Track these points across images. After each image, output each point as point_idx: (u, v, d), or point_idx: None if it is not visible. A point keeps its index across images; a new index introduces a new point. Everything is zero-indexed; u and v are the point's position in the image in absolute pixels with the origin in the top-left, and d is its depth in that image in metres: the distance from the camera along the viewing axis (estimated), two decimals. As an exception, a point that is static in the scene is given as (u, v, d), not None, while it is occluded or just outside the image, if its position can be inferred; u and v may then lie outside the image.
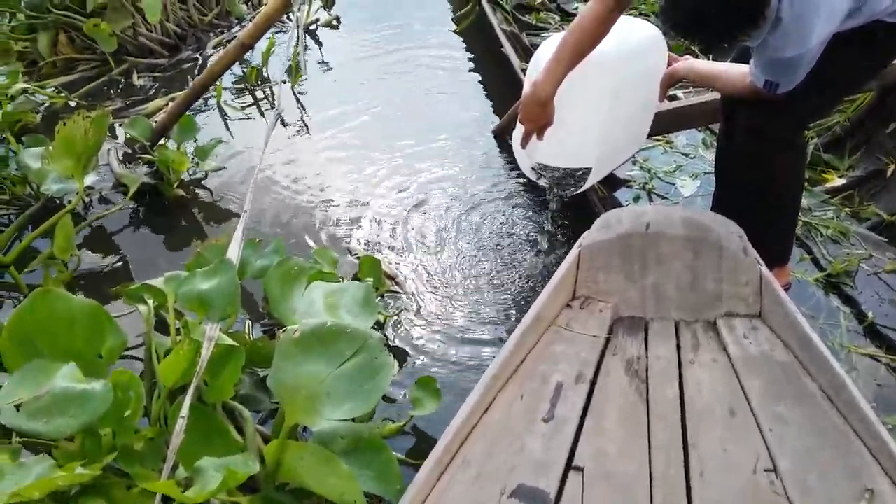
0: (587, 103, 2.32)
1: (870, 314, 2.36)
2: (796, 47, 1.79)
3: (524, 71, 2.64)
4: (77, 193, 2.67)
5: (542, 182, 2.63)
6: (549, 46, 2.39)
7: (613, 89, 2.34)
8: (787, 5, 1.71)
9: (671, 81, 2.58)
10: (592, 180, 2.57)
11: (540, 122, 2.22)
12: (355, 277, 2.56)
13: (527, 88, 2.24)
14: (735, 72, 2.13)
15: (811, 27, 1.75)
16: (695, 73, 2.40)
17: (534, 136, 2.26)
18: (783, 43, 1.79)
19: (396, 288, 2.62)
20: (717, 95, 2.58)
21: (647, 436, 1.48)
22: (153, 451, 1.67)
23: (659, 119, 2.88)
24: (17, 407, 1.49)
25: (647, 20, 3.00)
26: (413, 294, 2.60)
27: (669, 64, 2.56)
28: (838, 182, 2.99)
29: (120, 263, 2.82)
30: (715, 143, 2.76)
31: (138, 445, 1.65)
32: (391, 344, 2.41)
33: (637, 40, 2.46)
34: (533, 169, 2.60)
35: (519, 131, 2.35)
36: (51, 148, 2.61)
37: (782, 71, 1.88)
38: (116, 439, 1.62)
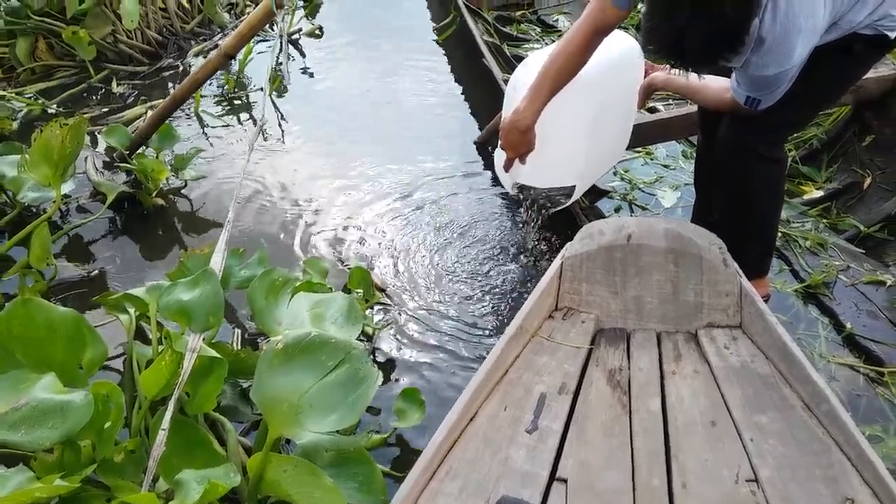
0: (569, 122, 2.32)
1: (848, 325, 2.38)
2: (779, 65, 1.81)
3: (505, 81, 2.65)
4: (54, 202, 2.64)
5: (525, 200, 2.62)
6: (528, 68, 2.41)
7: (594, 106, 2.36)
8: (769, 25, 1.73)
9: (649, 91, 2.60)
10: (576, 196, 2.59)
11: (522, 148, 2.24)
12: (345, 288, 2.55)
13: (507, 114, 2.24)
14: (714, 86, 2.15)
15: (793, 45, 1.77)
16: (673, 85, 2.42)
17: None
18: (766, 61, 1.80)
19: (386, 299, 2.62)
20: (696, 108, 2.60)
21: (629, 447, 1.49)
22: (133, 464, 1.65)
23: (640, 131, 2.91)
24: (-4, 419, 1.47)
25: (625, 31, 3.03)
26: (401, 305, 2.60)
27: (647, 72, 2.59)
28: (816, 194, 3.03)
29: (97, 273, 2.79)
30: (694, 155, 2.79)
31: (118, 457, 1.63)
32: (378, 355, 2.40)
33: (615, 54, 2.48)
34: (515, 185, 2.60)
35: (501, 155, 2.36)
36: (27, 156, 2.58)
37: (764, 88, 1.90)
38: (96, 451, 1.60)
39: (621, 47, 2.52)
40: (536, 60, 2.43)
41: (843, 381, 2.24)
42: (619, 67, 2.47)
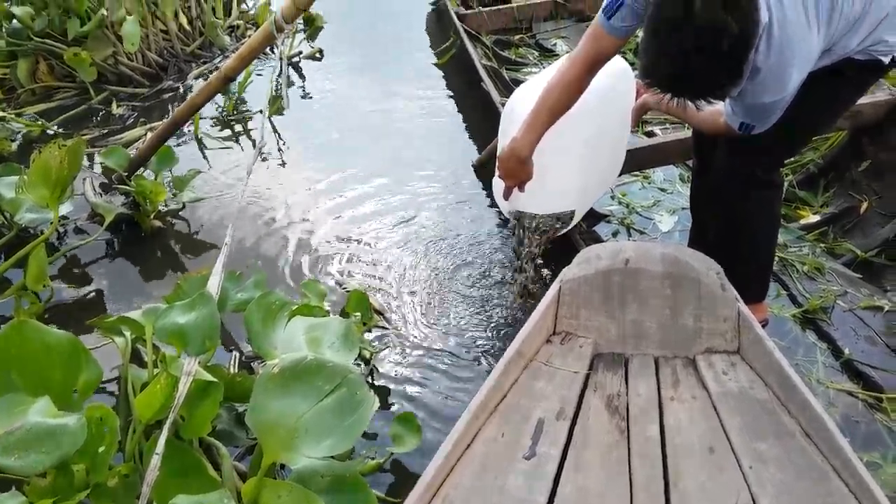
0: (566, 148, 2.33)
1: (846, 350, 2.38)
2: (775, 94, 1.82)
3: (503, 105, 2.66)
4: (51, 223, 2.64)
5: (522, 228, 2.61)
6: (522, 96, 2.43)
7: (590, 131, 2.37)
8: (763, 55, 1.74)
9: (642, 112, 2.62)
10: (575, 220, 2.60)
11: (520, 178, 2.25)
12: (343, 311, 2.55)
13: (503, 143, 2.25)
14: (708, 109, 2.16)
15: (789, 73, 1.78)
16: (665, 106, 2.43)
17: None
18: (762, 90, 1.82)
19: (384, 323, 2.61)
20: (692, 132, 2.62)
21: (628, 473, 1.48)
22: (127, 488, 1.64)
23: (637, 155, 2.92)
24: (-11, 442, 1.46)
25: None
26: (400, 329, 2.59)
27: (638, 93, 2.60)
28: (813, 219, 3.03)
29: (94, 295, 2.79)
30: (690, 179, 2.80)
31: (112, 482, 1.62)
32: (375, 378, 2.39)
33: (608, 77, 2.49)
34: (513, 212, 2.60)
35: (499, 183, 2.37)
36: (25, 177, 2.58)
37: (759, 115, 1.91)
38: (90, 476, 1.59)
39: (614, 69, 2.53)
40: (531, 88, 2.45)
41: (841, 406, 2.23)
42: (613, 91, 2.49)
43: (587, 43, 2.04)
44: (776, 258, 2.59)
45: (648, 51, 1.68)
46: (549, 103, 2.12)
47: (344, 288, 2.76)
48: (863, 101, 2.83)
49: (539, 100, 2.14)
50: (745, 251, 2.28)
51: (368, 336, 2.52)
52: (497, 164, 2.29)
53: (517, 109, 2.43)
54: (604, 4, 1.96)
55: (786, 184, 3.15)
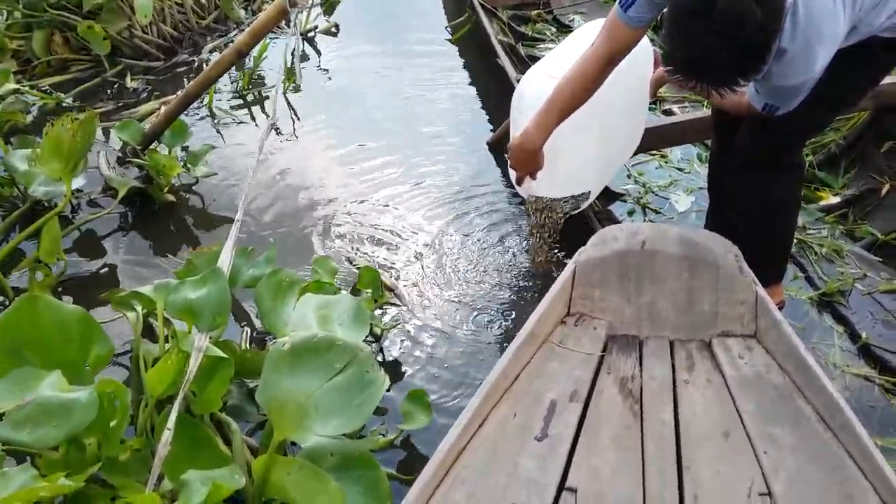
0: (579, 131, 2.30)
1: (864, 334, 2.35)
2: (802, 75, 1.78)
3: (519, 81, 2.63)
4: (65, 196, 2.64)
5: (539, 210, 2.61)
6: (533, 81, 2.40)
7: (604, 111, 2.33)
8: (789, 36, 1.70)
9: (660, 83, 2.58)
10: (591, 199, 2.57)
11: (531, 168, 2.24)
12: (354, 287, 2.54)
13: (514, 132, 2.22)
14: None
15: (815, 54, 1.74)
16: None
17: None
18: (788, 72, 1.77)
19: (395, 300, 2.60)
20: (711, 111, 2.57)
21: (640, 457, 1.47)
22: (138, 463, 1.65)
23: (654, 134, 2.88)
24: (1, 415, 1.47)
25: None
26: (411, 306, 2.58)
27: (657, 63, 2.56)
28: (833, 200, 2.98)
29: (106, 268, 2.79)
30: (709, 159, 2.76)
31: (123, 456, 1.63)
32: (385, 355, 2.39)
33: None
34: (526, 195, 2.58)
35: (512, 172, 2.35)
36: (38, 150, 2.58)
37: (785, 96, 1.87)
38: (101, 450, 1.59)
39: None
40: (541, 73, 2.41)
41: (857, 391, 2.21)
42: (630, 63, 2.45)
43: (605, 36, 2.01)
44: (794, 240, 2.56)
45: (670, 37, 1.65)
46: (565, 98, 2.09)
47: (355, 265, 2.75)
48: (886, 80, 2.76)
49: (554, 92, 2.10)
50: (764, 232, 2.25)
51: (379, 313, 2.51)
52: (508, 153, 2.27)
53: (527, 96, 2.40)
54: None
55: (806, 164, 3.10)
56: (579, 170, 2.46)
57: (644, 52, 2.54)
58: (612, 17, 1.98)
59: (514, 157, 2.23)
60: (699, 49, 1.58)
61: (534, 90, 2.36)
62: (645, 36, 2.52)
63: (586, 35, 2.69)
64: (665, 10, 1.73)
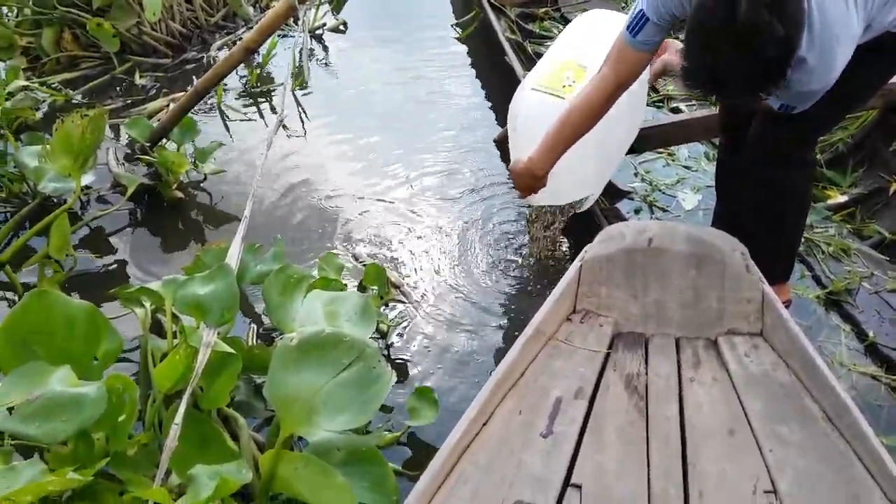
0: (578, 145, 2.31)
1: (871, 333, 2.34)
2: (822, 81, 1.78)
3: (518, 89, 2.64)
4: (74, 193, 2.65)
5: (539, 210, 2.64)
6: (525, 101, 2.43)
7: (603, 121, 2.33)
8: (807, 44, 1.68)
9: (662, 73, 2.57)
10: (593, 199, 2.58)
11: (535, 189, 2.26)
12: (361, 284, 2.54)
13: (514, 151, 2.23)
14: None
15: (834, 58, 1.74)
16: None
17: None
18: (809, 79, 1.77)
19: (401, 297, 2.61)
20: (719, 109, 2.57)
21: (646, 454, 1.47)
22: (146, 457, 1.66)
23: (661, 132, 2.87)
24: (10, 410, 1.48)
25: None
26: (417, 303, 2.59)
27: (661, 50, 2.55)
28: (840, 199, 2.97)
29: (115, 264, 2.80)
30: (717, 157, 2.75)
31: (131, 451, 1.64)
32: (392, 351, 2.40)
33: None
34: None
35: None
36: (48, 146, 2.60)
37: (803, 99, 1.87)
38: (109, 444, 1.60)
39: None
40: (533, 89, 2.41)
41: (864, 390, 2.20)
42: None
43: (613, 63, 2.01)
44: (802, 238, 2.55)
45: (690, 53, 1.64)
46: (573, 126, 2.10)
47: (361, 261, 2.76)
48: (894, 79, 2.76)
49: (562, 122, 2.10)
50: (773, 230, 2.25)
51: (385, 310, 2.52)
52: (510, 175, 2.28)
53: (521, 115, 2.44)
54: (627, 21, 1.94)
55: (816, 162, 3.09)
56: (581, 177, 2.47)
57: None
58: (619, 44, 1.99)
59: (517, 182, 2.26)
60: (720, 65, 1.58)
61: (528, 109, 2.41)
62: None
63: (576, 33, 2.68)
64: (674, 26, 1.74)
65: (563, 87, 2.39)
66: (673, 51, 2.66)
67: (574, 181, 2.39)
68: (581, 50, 2.54)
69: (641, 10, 1.89)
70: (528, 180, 2.21)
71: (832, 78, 1.78)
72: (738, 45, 1.53)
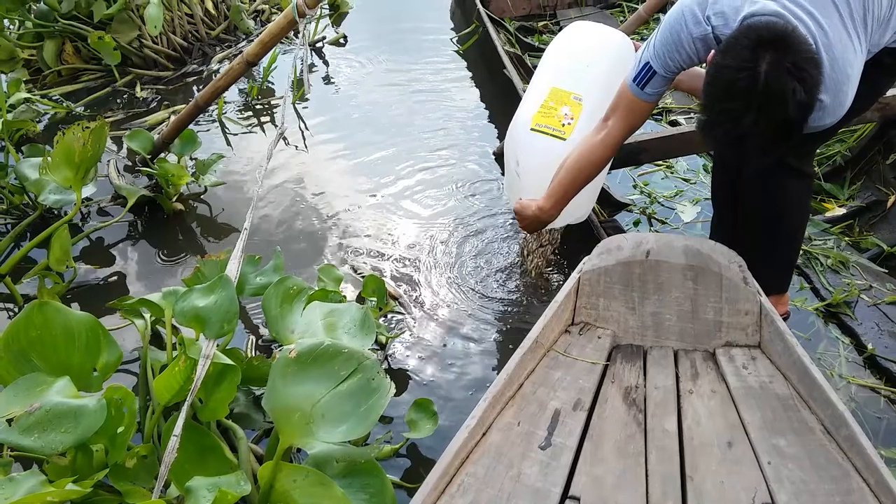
0: None
1: (869, 345, 2.34)
2: (834, 115, 1.81)
3: (525, 91, 2.65)
4: (75, 204, 2.66)
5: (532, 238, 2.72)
6: (517, 139, 2.47)
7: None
8: (822, 88, 1.70)
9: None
10: (585, 214, 2.61)
11: (540, 230, 2.38)
12: (359, 296, 2.55)
13: (523, 201, 2.31)
14: None
15: (846, 95, 1.77)
16: (685, 84, 2.42)
17: None
18: (822, 116, 1.79)
19: (400, 308, 2.61)
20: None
21: (644, 466, 1.47)
22: (145, 469, 1.66)
23: (661, 145, 2.88)
24: (10, 421, 1.48)
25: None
26: (415, 315, 2.59)
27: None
28: (838, 212, 2.98)
29: (115, 276, 2.81)
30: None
31: (130, 463, 1.64)
32: (391, 363, 2.40)
33: (607, 61, 2.50)
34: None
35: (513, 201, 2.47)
36: (49, 158, 2.61)
37: (812, 129, 1.89)
38: (108, 456, 1.60)
39: (618, 48, 2.54)
40: (532, 125, 2.44)
41: (863, 402, 2.20)
42: (617, 75, 2.47)
43: (624, 115, 2.05)
44: (800, 251, 2.55)
45: (709, 111, 1.67)
46: (585, 179, 2.18)
47: (359, 273, 2.77)
48: (892, 92, 2.78)
49: (573, 173, 2.16)
50: (771, 242, 2.25)
51: (384, 321, 2.52)
52: (516, 216, 2.36)
53: (519, 154, 2.48)
54: (633, 74, 1.97)
55: (815, 174, 3.10)
56: (580, 201, 2.48)
57: (628, 53, 2.55)
58: (626, 97, 2.02)
59: (526, 227, 2.35)
60: (740, 125, 1.60)
61: (530, 152, 2.45)
62: (627, 40, 2.56)
63: (564, 54, 2.66)
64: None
65: (563, 125, 2.41)
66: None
67: (569, 210, 2.41)
68: (573, 76, 2.53)
69: (648, 63, 1.93)
70: (537, 225, 2.31)
71: (843, 112, 1.81)
72: (760, 108, 1.56)
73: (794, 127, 1.62)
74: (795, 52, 1.56)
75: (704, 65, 1.99)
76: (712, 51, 1.80)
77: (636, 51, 2.57)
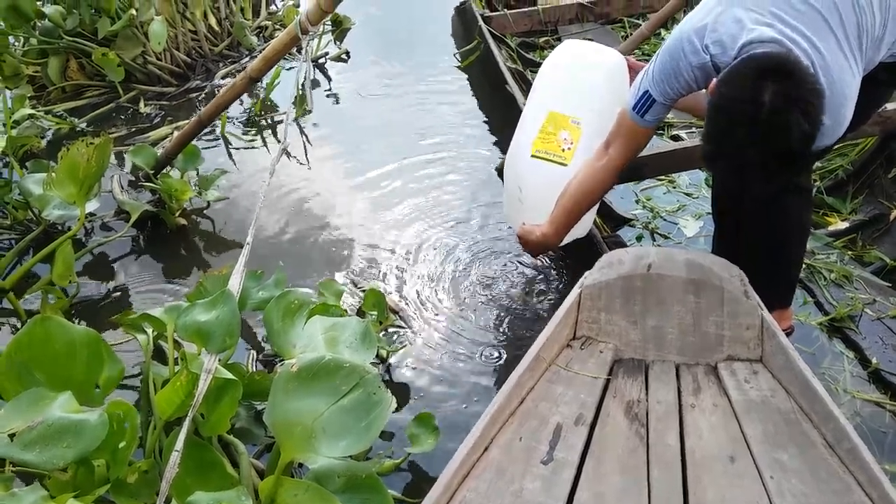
0: None
1: (874, 359, 2.34)
2: (833, 136, 1.83)
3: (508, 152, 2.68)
4: (78, 220, 2.67)
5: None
6: (530, 168, 2.48)
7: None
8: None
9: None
10: (586, 230, 2.63)
11: (543, 252, 2.44)
12: (360, 310, 2.55)
13: (527, 226, 2.35)
14: None
15: (844, 116, 1.80)
16: (682, 105, 2.43)
17: None
18: (823, 138, 1.78)
19: (400, 322, 2.61)
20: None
21: (646, 481, 1.47)
22: (147, 484, 1.65)
23: (662, 160, 2.89)
24: (11, 436, 1.48)
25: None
26: (416, 329, 2.59)
27: (634, 69, 2.57)
28: (841, 225, 2.98)
29: (118, 291, 2.81)
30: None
31: (132, 478, 1.64)
32: (392, 377, 2.40)
33: (602, 82, 2.52)
34: None
35: (514, 221, 2.54)
36: (53, 174, 2.62)
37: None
38: (110, 471, 1.61)
39: (610, 70, 2.55)
40: (533, 151, 2.47)
41: (867, 417, 2.19)
42: (609, 94, 2.48)
43: (625, 143, 2.07)
44: (803, 265, 2.55)
45: (712, 140, 1.69)
46: (589, 204, 2.28)
47: (360, 287, 2.77)
48: (893, 106, 2.78)
49: (576, 201, 2.21)
50: (773, 256, 2.25)
51: (384, 336, 2.52)
52: (520, 240, 2.41)
53: (527, 183, 2.51)
54: (632, 102, 1.99)
55: (814, 189, 3.10)
56: (582, 220, 2.49)
57: (621, 74, 2.57)
58: (626, 124, 2.04)
59: (531, 251, 2.42)
60: (743, 155, 1.62)
61: (532, 179, 2.48)
62: (620, 57, 2.57)
63: (558, 76, 2.65)
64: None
65: (563, 150, 2.43)
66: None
67: (576, 225, 2.43)
68: (570, 99, 2.53)
69: (647, 91, 1.94)
70: (541, 249, 2.38)
71: (842, 132, 1.83)
72: (762, 139, 1.57)
73: (796, 157, 1.63)
74: (798, 82, 1.57)
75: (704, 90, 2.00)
76: (713, 80, 1.81)
77: (629, 68, 2.61)
